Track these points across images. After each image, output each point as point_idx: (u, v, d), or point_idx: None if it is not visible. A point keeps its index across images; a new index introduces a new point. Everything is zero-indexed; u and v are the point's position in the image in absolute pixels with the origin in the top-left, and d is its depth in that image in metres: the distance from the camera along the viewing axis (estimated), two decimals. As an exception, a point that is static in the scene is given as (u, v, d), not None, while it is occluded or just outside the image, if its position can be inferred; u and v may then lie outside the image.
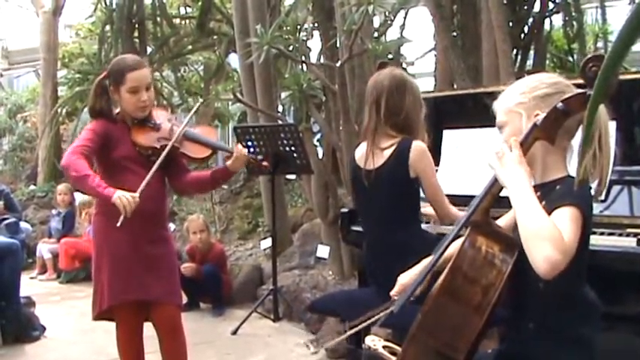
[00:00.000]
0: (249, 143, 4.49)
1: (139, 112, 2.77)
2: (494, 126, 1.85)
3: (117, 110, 2.84)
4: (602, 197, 2.62)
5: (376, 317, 2.02)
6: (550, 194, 1.67)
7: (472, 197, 1.76)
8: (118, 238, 2.73)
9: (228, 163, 2.82)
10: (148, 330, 2.96)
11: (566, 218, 1.57)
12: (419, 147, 2.57)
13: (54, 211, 7.15)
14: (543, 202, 1.62)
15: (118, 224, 2.50)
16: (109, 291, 2.75)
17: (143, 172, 2.69)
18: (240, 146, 2.88)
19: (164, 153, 2.71)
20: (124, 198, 2.51)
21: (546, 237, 1.51)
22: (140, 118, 2.79)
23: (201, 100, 3.12)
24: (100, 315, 2.85)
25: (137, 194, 2.56)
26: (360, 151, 2.71)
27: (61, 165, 2.72)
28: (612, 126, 2.64)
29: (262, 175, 5.10)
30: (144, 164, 2.75)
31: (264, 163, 3.04)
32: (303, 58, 4.73)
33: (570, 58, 6.48)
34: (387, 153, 2.60)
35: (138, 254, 2.76)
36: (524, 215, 1.57)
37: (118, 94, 2.76)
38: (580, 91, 1.67)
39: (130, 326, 2.85)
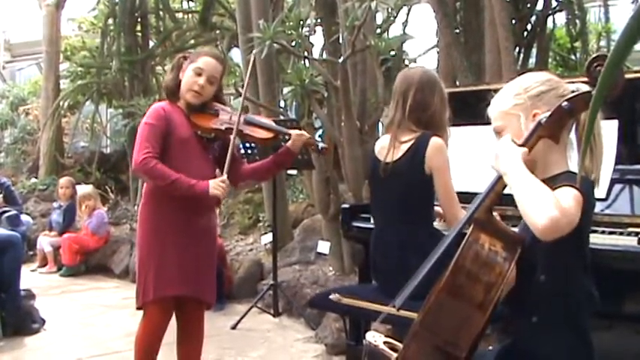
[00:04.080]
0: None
1: (191, 96, 2.77)
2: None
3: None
4: (604, 196, 2.62)
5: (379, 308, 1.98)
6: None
7: (474, 194, 1.75)
8: (167, 230, 2.73)
9: (289, 143, 2.86)
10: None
11: (567, 195, 1.58)
12: (436, 143, 2.56)
13: (55, 204, 7.15)
14: None
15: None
16: (155, 283, 2.71)
17: (200, 156, 2.76)
18: (297, 131, 2.92)
19: (233, 134, 2.73)
20: (219, 188, 2.64)
21: (546, 199, 1.52)
22: (196, 105, 2.80)
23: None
24: (143, 305, 2.80)
25: (225, 176, 2.67)
26: (381, 144, 2.72)
27: (134, 171, 2.76)
28: (614, 125, 2.66)
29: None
30: (200, 148, 2.79)
31: (324, 145, 3.04)
32: (306, 53, 4.72)
33: (573, 57, 6.48)
34: (405, 147, 2.60)
35: (186, 248, 2.74)
36: (523, 185, 1.57)
37: (185, 71, 2.80)
38: (585, 90, 1.67)
39: (160, 319, 2.79)
